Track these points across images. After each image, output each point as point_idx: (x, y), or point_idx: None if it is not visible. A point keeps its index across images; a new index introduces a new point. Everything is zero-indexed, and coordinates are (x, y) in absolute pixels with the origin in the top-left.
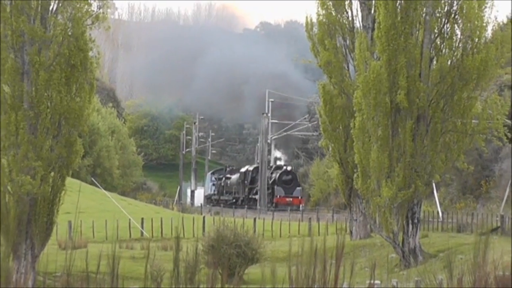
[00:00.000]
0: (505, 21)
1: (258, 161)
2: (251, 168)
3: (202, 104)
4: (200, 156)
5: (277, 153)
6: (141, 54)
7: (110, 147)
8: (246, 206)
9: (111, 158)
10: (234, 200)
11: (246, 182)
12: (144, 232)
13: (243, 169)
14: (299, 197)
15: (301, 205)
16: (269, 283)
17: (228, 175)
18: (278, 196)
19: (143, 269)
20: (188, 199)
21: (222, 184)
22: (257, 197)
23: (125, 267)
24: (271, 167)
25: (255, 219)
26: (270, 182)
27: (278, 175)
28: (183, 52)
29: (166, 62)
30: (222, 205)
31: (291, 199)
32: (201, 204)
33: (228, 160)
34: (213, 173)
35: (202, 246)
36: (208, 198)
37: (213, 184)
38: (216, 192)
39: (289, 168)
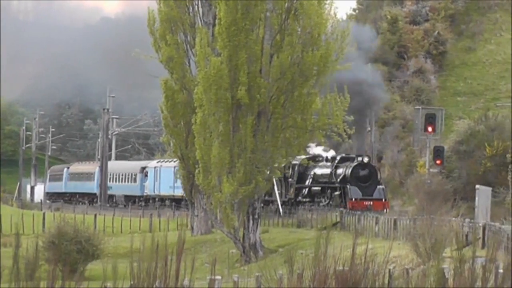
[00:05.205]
0: (344, 18)
1: (99, 157)
2: (296, 161)
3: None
4: (40, 152)
5: (315, 149)
6: None
7: None
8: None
9: None
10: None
11: (291, 180)
12: None
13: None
14: (383, 199)
15: (386, 210)
16: (110, 280)
17: None
18: (353, 199)
19: None
20: (28, 195)
21: None
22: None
23: None
24: (333, 158)
25: (95, 215)
26: (339, 179)
27: (351, 170)
28: (20, 48)
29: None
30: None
31: (371, 203)
32: (41, 200)
33: (68, 156)
34: None
35: (42, 242)
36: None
37: None
38: None
39: (365, 159)
